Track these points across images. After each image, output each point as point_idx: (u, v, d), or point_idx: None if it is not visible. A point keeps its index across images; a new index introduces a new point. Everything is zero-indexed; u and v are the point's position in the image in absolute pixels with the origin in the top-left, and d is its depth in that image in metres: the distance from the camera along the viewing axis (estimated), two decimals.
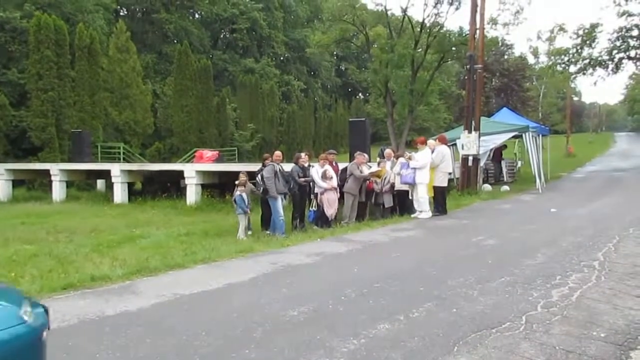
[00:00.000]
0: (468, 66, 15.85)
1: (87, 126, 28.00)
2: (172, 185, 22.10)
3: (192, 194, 18.86)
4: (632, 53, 26.80)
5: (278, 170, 10.63)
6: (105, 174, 22.14)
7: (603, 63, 27.09)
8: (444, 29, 32.16)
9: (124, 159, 28.12)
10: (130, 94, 33.82)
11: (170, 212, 17.38)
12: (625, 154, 37.52)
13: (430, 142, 11.18)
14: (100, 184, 25.01)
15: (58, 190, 22.24)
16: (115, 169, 21.06)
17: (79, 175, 23.85)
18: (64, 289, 5.44)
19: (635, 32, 25.80)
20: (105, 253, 8.98)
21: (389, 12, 33.02)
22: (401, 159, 11.12)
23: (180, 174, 19.83)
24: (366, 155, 12.43)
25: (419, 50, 31.85)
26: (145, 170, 22.16)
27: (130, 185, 22.29)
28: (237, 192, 10.94)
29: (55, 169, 22.55)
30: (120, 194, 20.80)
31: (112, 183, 21.12)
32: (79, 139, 24.83)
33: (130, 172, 21.53)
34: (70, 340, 3.85)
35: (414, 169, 10.50)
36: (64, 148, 27.72)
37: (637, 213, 10.10)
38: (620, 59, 26.94)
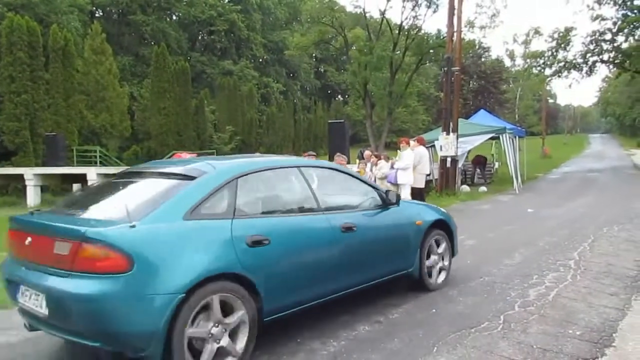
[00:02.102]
0: (446, 68, 15.98)
1: (62, 130, 27.51)
2: None
3: None
4: (605, 56, 27.42)
5: None
6: (81, 178, 21.75)
7: (577, 66, 27.66)
8: (422, 31, 32.57)
9: (100, 162, 27.70)
10: (106, 96, 33.32)
11: None
12: (600, 155, 38.28)
13: (410, 143, 11.24)
14: (76, 188, 24.54)
15: (33, 196, 21.77)
16: (92, 173, 20.74)
17: (54, 179, 23.38)
18: None
19: (608, 36, 26.39)
20: None
21: (367, 15, 33.37)
22: (382, 162, 11.19)
23: None
24: (345, 157, 12.44)
25: (398, 52, 32.15)
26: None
27: None
28: None
29: (29, 173, 22.08)
30: None
31: None
32: (53, 142, 24.38)
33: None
34: None
35: (397, 169, 10.56)
36: (39, 152, 27.21)
37: (610, 213, 10.29)
38: (594, 62, 27.56)
